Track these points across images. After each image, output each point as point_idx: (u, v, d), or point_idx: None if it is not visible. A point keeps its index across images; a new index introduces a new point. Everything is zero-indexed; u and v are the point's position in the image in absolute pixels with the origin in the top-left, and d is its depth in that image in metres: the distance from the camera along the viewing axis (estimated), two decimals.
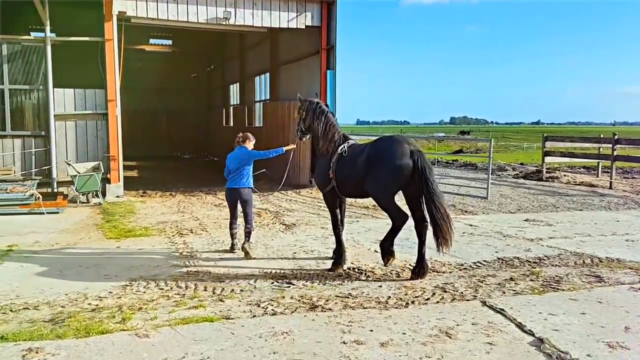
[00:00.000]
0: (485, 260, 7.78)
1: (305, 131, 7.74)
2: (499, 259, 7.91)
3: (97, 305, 5.73)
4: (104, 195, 13.38)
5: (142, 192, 15.08)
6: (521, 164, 26.69)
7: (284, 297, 5.97)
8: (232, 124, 26.35)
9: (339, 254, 7.25)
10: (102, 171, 12.67)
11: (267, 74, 21.03)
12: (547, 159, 20.22)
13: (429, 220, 6.59)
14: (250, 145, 8.14)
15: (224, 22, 14.34)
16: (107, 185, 13.43)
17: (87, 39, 13.41)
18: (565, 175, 19.48)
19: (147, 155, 30.02)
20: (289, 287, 6.41)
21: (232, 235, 8.21)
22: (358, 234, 9.69)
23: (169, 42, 31.24)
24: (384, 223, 10.68)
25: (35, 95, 13.16)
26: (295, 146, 8.36)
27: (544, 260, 7.81)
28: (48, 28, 12.74)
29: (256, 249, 8.37)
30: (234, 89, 27.34)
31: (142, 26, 25.51)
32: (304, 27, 15.37)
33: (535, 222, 11.06)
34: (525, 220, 11.24)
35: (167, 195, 14.71)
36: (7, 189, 11.26)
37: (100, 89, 13.46)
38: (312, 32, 16.00)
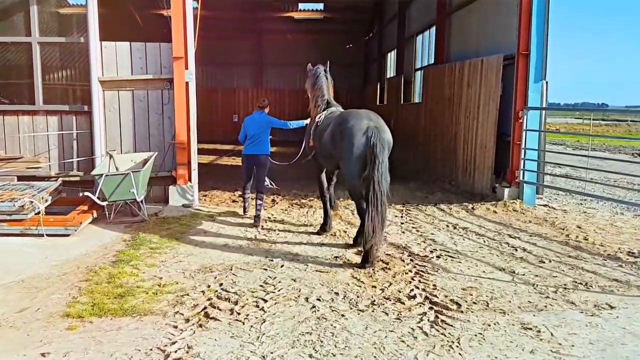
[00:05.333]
0: None
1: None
2: None
3: None
4: (166, 202, 8.90)
5: (239, 194, 10.34)
6: None
7: None
8: (385, 102, 20.69)
9: (325, 221, 7.20)
10: (145, 169, 7.94)
11: (433, 29, 14.90)
12: None
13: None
14: (266, 111, 7.74)
15: None
16: (170, 187, 8.89)
17: None
18: None
19: (295, 140, 26.05)
20: None
21: (245, 199, 7.96)
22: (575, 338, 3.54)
23: (321, 6, 26.50)
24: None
25: (76, 52, 9.03)
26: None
27: None
28: None
29: None
30: (391, 58, 21.59)
31: None
32: None
33: None
34: None
35: (268, 201, 9.71)
36: None
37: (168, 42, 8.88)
38: None
